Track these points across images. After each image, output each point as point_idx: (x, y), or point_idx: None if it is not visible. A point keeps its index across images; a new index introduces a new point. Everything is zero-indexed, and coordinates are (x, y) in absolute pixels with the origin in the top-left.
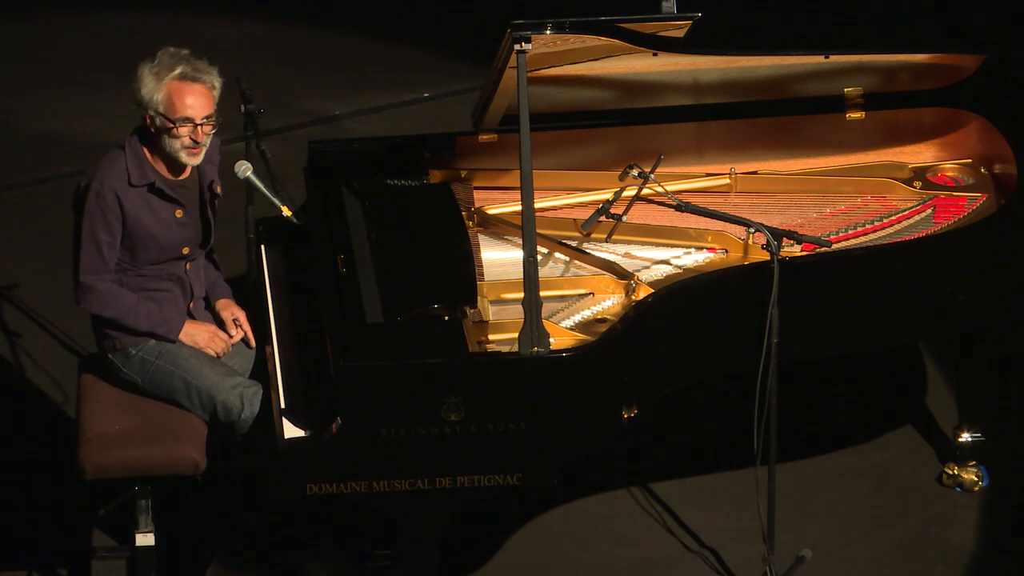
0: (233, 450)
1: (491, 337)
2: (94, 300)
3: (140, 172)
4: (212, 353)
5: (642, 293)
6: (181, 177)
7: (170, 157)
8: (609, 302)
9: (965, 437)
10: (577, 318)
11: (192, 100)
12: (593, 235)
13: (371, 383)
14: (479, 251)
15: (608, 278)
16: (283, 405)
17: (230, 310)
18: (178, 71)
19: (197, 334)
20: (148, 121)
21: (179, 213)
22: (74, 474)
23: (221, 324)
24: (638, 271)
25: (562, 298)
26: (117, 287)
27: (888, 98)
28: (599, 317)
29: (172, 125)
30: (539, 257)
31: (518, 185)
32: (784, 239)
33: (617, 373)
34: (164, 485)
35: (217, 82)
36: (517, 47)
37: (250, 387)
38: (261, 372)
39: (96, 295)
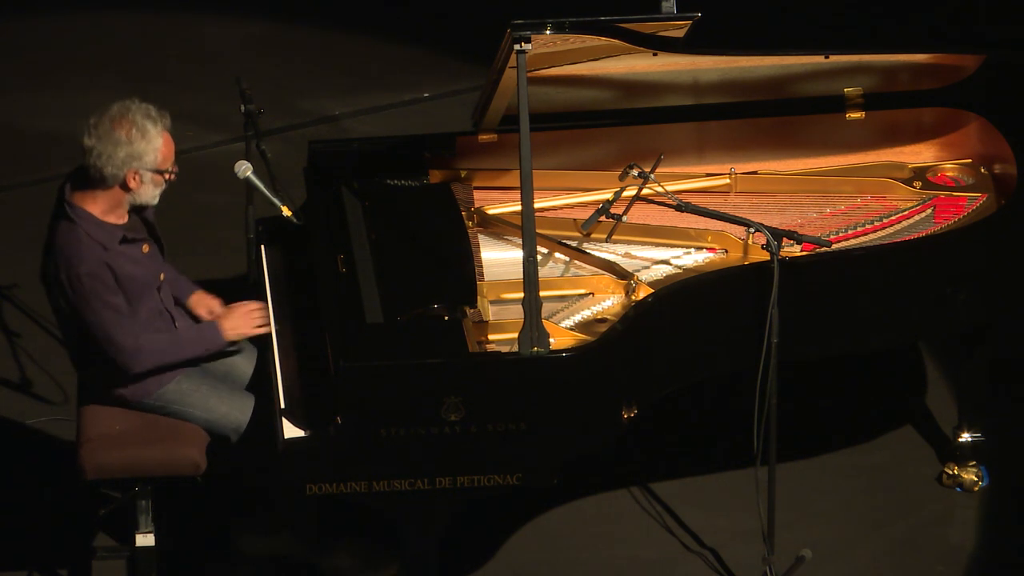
0: (230, 453)
1: (491, 337)
2: (147, 356)
3: (105, 233)
4: (262, 331)
5: (642, 293)
6: (127, 219)
7: (131, 205)
8: (609, 302)
9: (965, 437)
10: (577, 318)
11: (172, 147)
12: (593, 235)
13: (371, 383)
14: (479, 251)
15: (608, 278)
16: (283, 405)
17: (205, 303)
18: (159, 125)
19: (239, 326)
20: (129, 178)
21: (145, 248)
22: (74, 474)
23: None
24: (638, 271)
25: (562, 298)
26: (149, 334)
27: (888, 98)
28: (599, 317)
29: (163, 175)
30: (539, 257)
31: (518, 185)
32: (784, 239)
33: (617, 373)
34: (164, 485)
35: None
36: (517, 47)
37: (246, 399)
38: (261, 372)
39: (146, 353)
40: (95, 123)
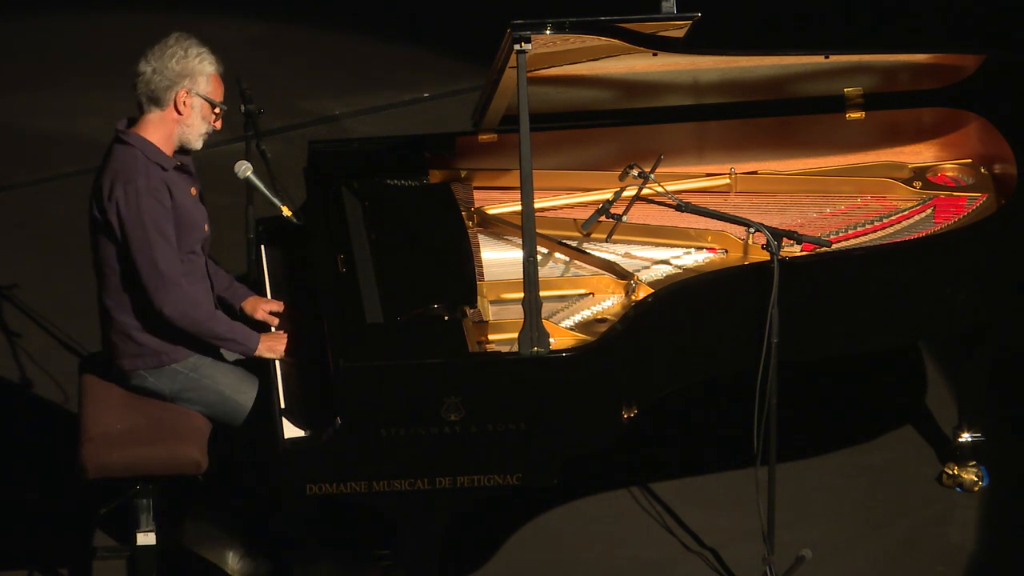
0: (233, 446)
1: (491, 337)
2: (182, 299)
3: (162, 156)
4: (282, 357)
5: (642, 293)
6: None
7: (179, 142)
8: (609, 302)
9: (965, 437)
10: (577, 318)
11: (221, 86)
12: (593, 235)
13: (371, 383)
14: (479, 251)
15: (608, 278)
16: (283, 405)
17: (263, 307)
18: (215, 63)
19: (274, 347)
20: (180, 99)
21: (193, 191)
22: (75, 474)
23: (254, 324)
24: (638, 271)
25: (562, 298)
26: (195, 290)
27: (888, 98)
28: (599, 317)
29: (212, 108)
30: (539, 257)
31: (518, 185)
32: (784, 239)
33: (617, 373)
34: (165, 485)
35: None
36: (517, 47)
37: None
38: (261, 372)
39: (182, 293)
40: (150, 50)
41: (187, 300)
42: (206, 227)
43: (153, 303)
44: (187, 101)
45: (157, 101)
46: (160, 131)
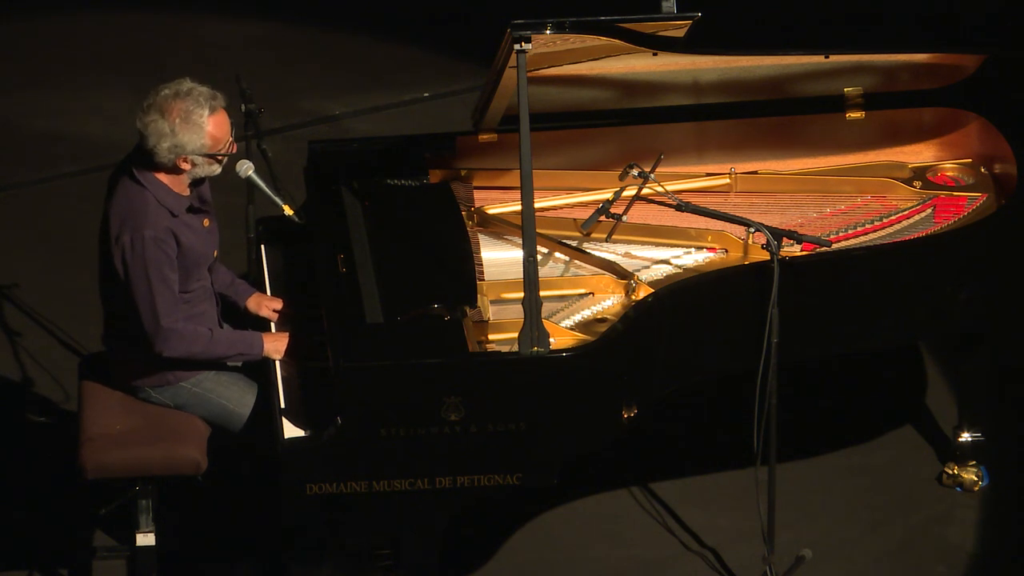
0: (232, 448)
1: (491, 337)
2: (179, 342)
3: (174, 200)
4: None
5: (642, 293)
6: (189, 192)
7: (193, 180)
8: (609, 302)
9: (965, 437)
10: (577, 318)
11: (225, 126)
12: (593, 235)
13: (371, 383)
14: (479, 251)
15: (608, 278)
16: (283, 405)
17: (267, 305)
18: (207, 108)
19: (280, 348)
20: (183, 163)
21: (206, 222)
22: (75, 474)
23: (257, 321)
24: (638, 271)
25: (562, 298)
26: (190, 324)
27: (888, 98)
28: (599, 317)
29: (216, 158)
30: (539, 257)
31: (518, 185)
32: (784, 239)
33: (617, 373)
34: (165, 485)
35: (223, 99)
36: (517, 47)
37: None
38: (261, 372)
39: (179, 336)
40: (147, 107)
41: (184, 341)
42: (215, 253)
43: (153, 346)
44: (187, 162)
45: (159, 165)
46: (168, 176)
